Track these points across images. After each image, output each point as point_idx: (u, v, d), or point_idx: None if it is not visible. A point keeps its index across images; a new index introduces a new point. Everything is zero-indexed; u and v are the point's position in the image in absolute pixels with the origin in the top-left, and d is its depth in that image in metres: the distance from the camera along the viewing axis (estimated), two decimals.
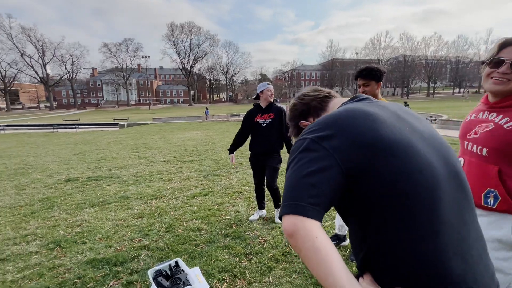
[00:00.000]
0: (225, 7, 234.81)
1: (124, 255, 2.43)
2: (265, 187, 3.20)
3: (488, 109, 1.14)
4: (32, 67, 61.65)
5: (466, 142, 1.19)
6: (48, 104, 68.45)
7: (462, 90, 74.50)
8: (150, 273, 1.93)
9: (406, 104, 15.73)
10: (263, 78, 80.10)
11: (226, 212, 3.38)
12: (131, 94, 76.27)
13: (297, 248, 0.55)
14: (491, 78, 1.09)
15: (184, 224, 3.06)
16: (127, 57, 71.44)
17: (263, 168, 3.08)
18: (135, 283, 2.06)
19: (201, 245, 2.59)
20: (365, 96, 0.80)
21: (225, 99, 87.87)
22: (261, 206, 3.22)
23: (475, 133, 1.14)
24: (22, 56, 60.05)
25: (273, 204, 3.24)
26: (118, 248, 2.59)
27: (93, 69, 77.74)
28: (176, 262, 2.06)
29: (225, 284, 2.04)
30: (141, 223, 3.13)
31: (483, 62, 1.14)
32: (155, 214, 3.36)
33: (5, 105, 61.39)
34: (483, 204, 1.09)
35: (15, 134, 18.20)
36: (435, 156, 0.64)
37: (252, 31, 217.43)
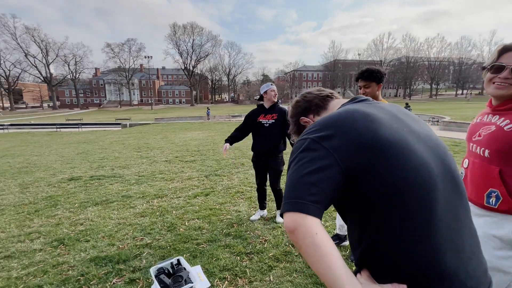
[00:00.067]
0: (226, 7, 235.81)
1: (127, 253, 2.45)
2: (266, 187, 3.22)
3: (492, 112, 1.18)
4: (36, 66, 62.22)
5: (471, 144, 1.23)
6: (51, 104, 69.01)
7: (465, 91, 74.15)
8: (153, 270, 1.96)
9: (407, 105, 15.68)
10: (265, 78, 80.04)
11: (227, 211, 3.41)
12: (134, 94, 76.56)
13: (298, 244, 0.57)
14: (493, 83, 1.13)
15: (186, 223, 3.09)
16: (129, 57, 71.91)
17: (265, 168, 3.10)
18: (137, 280, 2.09)
19: (202, 244, 2.61)
20: (364, 97, 0.82)
21: (227, 100, 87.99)
22: (262, 206, 3.24)
23: (479, 135, 1.18)
24: (26, 56, 60.58)
25: (275, 204, 3.26)
26: (120, 246, 2.61)
27: (96, 69, 78.21)
28: (178, 260, 2.09)
29: (226, 282, 2.06)
30: (143, 222, 3.16)
31: (483, 68, 1.17)
32: (157, 213, 3.39)
33: (9, 105, 61.85)
34: (485, 204, 1.12)
35: (18, 133, 18.35)
36: (432, 156, 0.65)
37: (254, 31, 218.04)
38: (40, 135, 15.85)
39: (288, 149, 3.10)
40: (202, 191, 4.22)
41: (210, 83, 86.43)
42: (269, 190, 3.24)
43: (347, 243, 2.57)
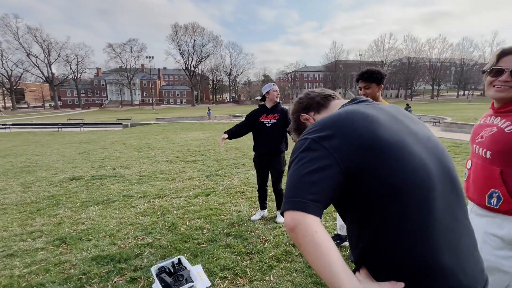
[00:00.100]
0: (228, 8, 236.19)
1: (128, 252, 2.47)
2: (267, 188, 3.23)
3: (494, 114, 1.20)
4: (38, 66, 62.45)
5: (474, 146, 1.25)
6: (53, 104, 69.18)
7: (466, 92, 73.94)
8: (154, 269, 1.97)
9: (408, 106, 15.67)
10: (266, 79, 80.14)
11: (228, 211, 3.42)
12: (135, 94, 76.72)
13: (297, 242, 0.58)
14: (494, 86, 1.15)
15: (187, 223, 3.10)
16: (131, 58, 72.30)
17: (267, 168, 3.11)
18: (138, 279, 2.10)
19: (203, 244, 2.63)
20: (364, 98, 0.83)
21: (228, 100, 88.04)
22: (263, 206, 3.25)
23: (482, 137, 1.20)
24: (28, 55, 60.86)
25: (275, 205, 3.26)
26: (122, 245, 2.63)
27: (97, 69, 78.42)
28: (179, 259, 2.10)
29: (227, 282, 2.07)
30: (145, 221, 3.17)
31: (483, 72, 1.20)
32: (158, 213, 3.41)
33: (11, 104, 62.10)
34: (486, 204, 1.13)
35: (20, 133, 18.42)
36: (430, 157, 0.66)
37: (255, 32, 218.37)
38: (42, 135, 15.91)
39: (290, 148, 3.11)
40: (203, 191, 4.23)
41: (211, 84, 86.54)
42: (269, 190, 3.26)
43: (347, 243, 2.57)
